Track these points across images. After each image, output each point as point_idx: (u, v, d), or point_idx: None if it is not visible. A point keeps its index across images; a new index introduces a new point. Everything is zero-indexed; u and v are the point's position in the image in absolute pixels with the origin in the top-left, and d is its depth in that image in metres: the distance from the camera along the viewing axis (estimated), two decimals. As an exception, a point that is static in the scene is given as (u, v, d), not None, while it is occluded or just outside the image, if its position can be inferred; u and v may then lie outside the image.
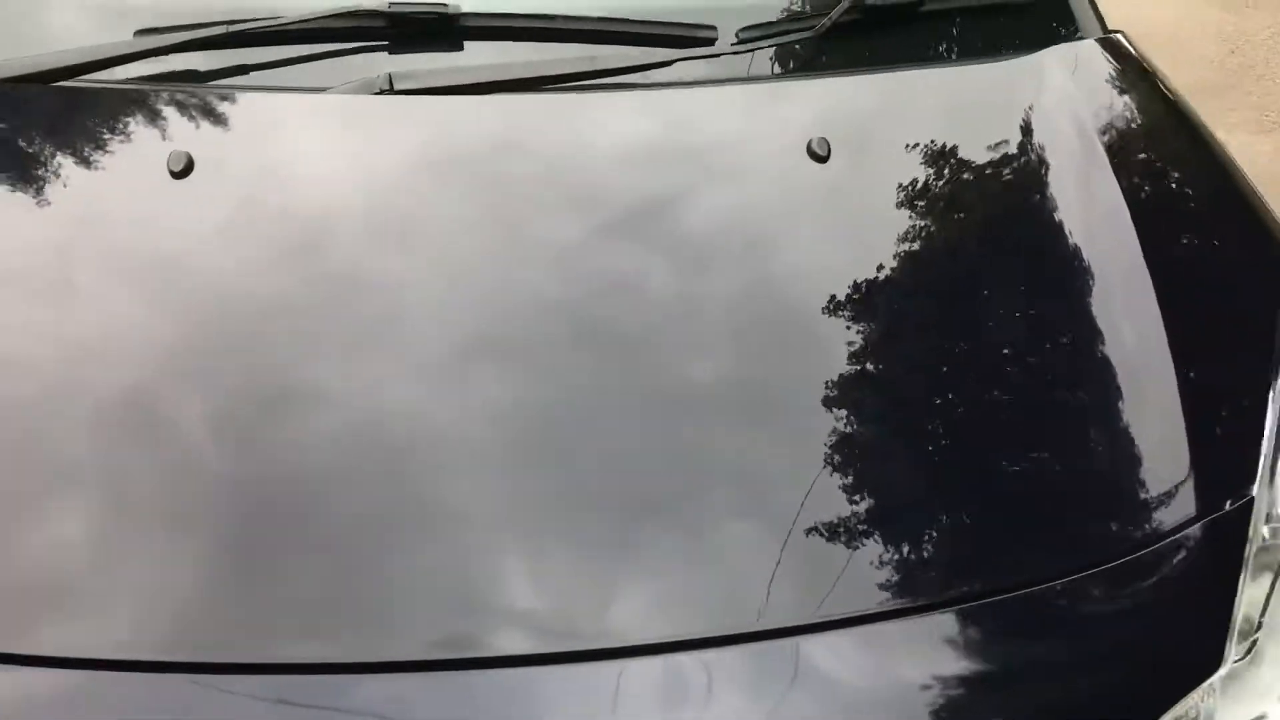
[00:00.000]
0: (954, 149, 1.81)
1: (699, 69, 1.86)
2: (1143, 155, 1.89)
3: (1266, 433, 1.49)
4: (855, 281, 1.60)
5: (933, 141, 1.82)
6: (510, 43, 1.85)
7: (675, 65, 1.84)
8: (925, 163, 1.78)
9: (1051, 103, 1.87)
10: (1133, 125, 1.93)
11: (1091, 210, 1.72)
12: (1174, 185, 1.87)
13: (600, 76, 1.81)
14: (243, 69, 1.78)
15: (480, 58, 1.82)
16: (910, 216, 1.71)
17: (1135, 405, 1.51)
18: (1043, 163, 1.79)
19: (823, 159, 1.71)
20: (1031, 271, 1.66)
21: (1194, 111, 2.02)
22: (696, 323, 1.53)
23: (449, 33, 1.82)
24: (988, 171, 1.80)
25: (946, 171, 1.78)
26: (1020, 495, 1.43)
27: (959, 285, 1.65)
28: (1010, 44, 2.04)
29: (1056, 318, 1.60)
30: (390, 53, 1.82)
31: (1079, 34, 2.10)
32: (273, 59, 1.78)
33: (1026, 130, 1.84)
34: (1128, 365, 1.54)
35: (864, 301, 1.58)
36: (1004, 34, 2.09)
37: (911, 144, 1.81)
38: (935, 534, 1.38)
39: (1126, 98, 1.99)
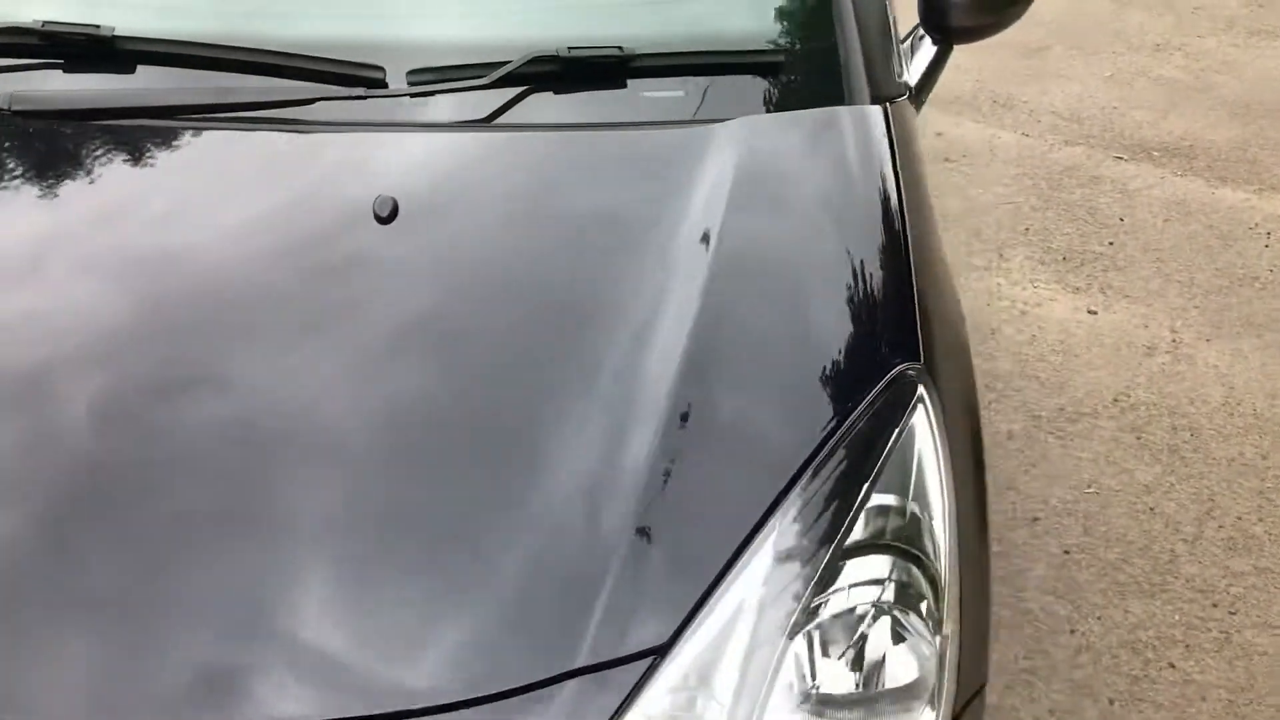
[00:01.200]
0: (543, 222, 1.67)
1: (363, 110, 1.77)
2: (783, 238, 1.67)
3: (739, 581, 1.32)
4: (370, 362, 1.50)
5: (527, 210, 1.67)
6: (171, 69, 1.81)
7: (344, 104, 1.76)
8: (498, 234, 1.64)
9: (682, 175, 1.69)
10: (794, 205, 1.72)
11: (667, 300, 1.53)
12: (802, 280, 1.63)
13: (236, 110, 1.75)
14: None
15: (133, 83, 1.79)
16: (450, 291, 1.58)
17: (616, 517, 1.36)
18: (631, 241, 1.61)
19: (385, 220, 1.60)
20: (573, 368, 1.49)
21: (913, 204, 1.76)
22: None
23: (107, 56, 1.79)
24: (570, 247, 1.64)
25: (514, 245, 1.63)
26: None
27: (486, 368, 1.51)
28: (754, 107, 1.85)
29: (584, 419, 1.43)
30: (65, 72, 1.82)
31: (843, 100, 1.89)
32: None
33: (638, 205, 1.66)
34: (636, 465, 1.39)
35: (376, 380, 1.48)
36: (753, 96, 1.90)
37: (501, 211, 1.67)
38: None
39: (812, 174, 1.78)
